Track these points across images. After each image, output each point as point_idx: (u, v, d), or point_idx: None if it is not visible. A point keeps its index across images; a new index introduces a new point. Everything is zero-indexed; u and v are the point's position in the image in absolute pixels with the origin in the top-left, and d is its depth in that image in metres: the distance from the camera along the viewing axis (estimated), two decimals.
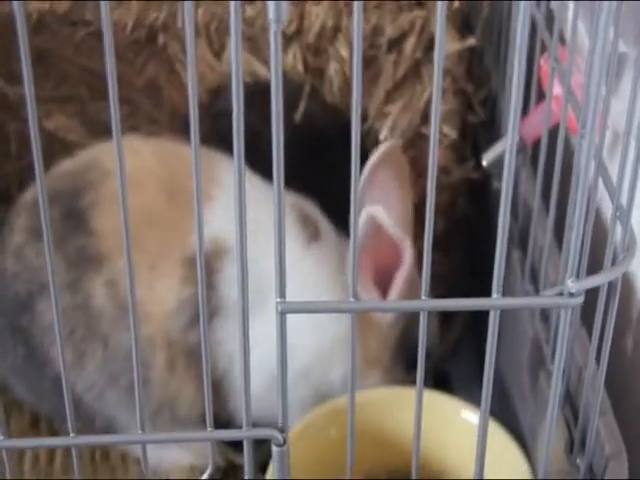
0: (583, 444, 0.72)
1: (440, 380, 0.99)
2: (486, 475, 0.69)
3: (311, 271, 0.91)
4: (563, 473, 0.73)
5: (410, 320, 0.95)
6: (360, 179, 0.96)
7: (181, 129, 1.02)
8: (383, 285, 0.91)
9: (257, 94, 1.00)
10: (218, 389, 0.89)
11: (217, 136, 1.02)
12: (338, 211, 0.97)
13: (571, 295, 0.59)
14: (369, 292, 0.90)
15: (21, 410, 0.99)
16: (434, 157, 0.58)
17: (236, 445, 0.94)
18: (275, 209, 0.55)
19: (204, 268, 0.56)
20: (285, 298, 0.57)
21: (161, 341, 0.89)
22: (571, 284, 0.59)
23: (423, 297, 0.58)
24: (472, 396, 0.90)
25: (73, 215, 0.89)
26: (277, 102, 0.52)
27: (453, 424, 0.87)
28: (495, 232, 1.01)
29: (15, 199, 0.97)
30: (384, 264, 0.90)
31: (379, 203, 0.91)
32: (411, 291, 0.92)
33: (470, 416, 0.88)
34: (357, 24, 0.49)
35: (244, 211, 0.55)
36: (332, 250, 0.93)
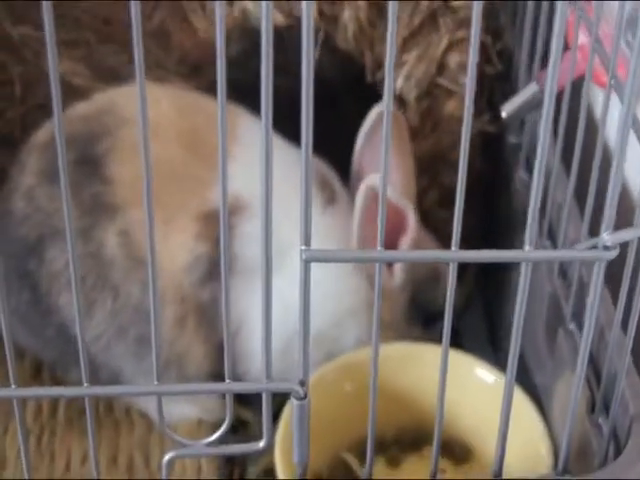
0: (605, 404, 0.71)
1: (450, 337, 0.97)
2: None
3: (326, 235, 0.89)
4: (584, 433, 0.72)
5: (419, 283, 0.94)
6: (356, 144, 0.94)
7: (189, 75, 1.00)
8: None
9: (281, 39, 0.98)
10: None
11: (226, 84, 0.99)
12: (347, 159, 0.95)
13: (606, 248, 0.58)
14: None
15: (22, 360, 0.97)
16: (468, 122, 0.55)
17: (243, 401, 0.92)
18: (303, 153, 0.53)
19: (221, 225, 0.54)
20: (310, 246, 0.55)
21: (172, 297, 0.87)
22: (607, 237, 0.57)
23: (453, 248, 0.56)
24: (481, 353, 0.89)
25: (88, 161, 0.87)
26: (308, 63, 0.50)
27: (467, 382, 0.85)
28: (511, 187, 0.99)
29: (18, 143, 0.94)
30: (388, 232, 0.88)
31: (377, 168, 0.90)
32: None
33: (484, 374, 0.86)
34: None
35: (270, 174, 0.53)
36: (347, 215, 0.91)
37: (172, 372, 0.89)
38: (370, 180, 0.86)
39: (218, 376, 0.85)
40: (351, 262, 0.84)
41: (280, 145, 0.90)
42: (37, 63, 1.00)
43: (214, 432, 0.92)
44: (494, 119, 1.00)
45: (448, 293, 0.58)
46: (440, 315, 0.92)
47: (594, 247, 0.59)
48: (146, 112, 0.51)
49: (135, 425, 0.93)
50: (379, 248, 0.56)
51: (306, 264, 0.55)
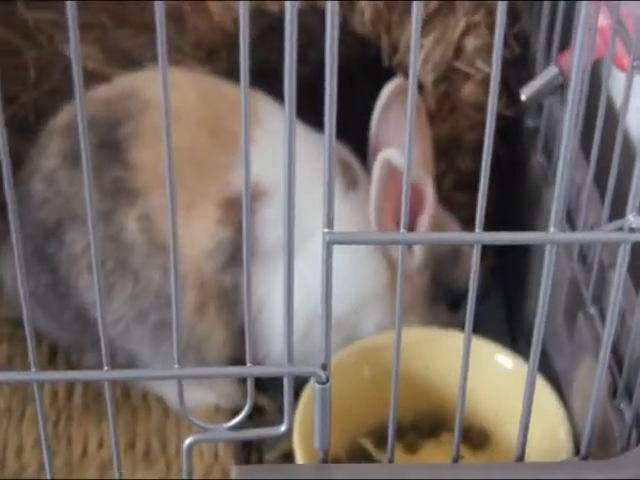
0: (628, 389, 0.71)
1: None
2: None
3: (348, 219, 0.88)
4: (605, 418, 0.71)
5: (439, 262, 0.93)
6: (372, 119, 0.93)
7: (205, 58, 0.99)
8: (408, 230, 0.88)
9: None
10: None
11: (237, 69, 0.99)
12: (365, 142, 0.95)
13: (631, 230, 0.57)
14: None
15: (40, 344, 0.96)
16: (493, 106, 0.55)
17: (260, 386, 0.92)
18: (326, 138, 0.53)
19: (242, 210, 0.54)
20: (332, 228, 0.55)
21: (193, 282, 0.87)
22: (633, 218, 0.57)
23: (477, 230, 0.56)
24: (497, 338, 0.88)
25: (110, 145, 0.86)
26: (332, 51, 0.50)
27: (486, 368, 0.85)
28: (527, 170, 0.99)
29: (32, 127, 0.94)
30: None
31: (393, 143, 0.89)
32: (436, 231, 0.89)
33: (504, 360, 0.86)
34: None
35: (293, 158, 0.52)
36: (368, 199, 0.90)
37: (191, 357, 0.89)
38: (386, 153, 0.85)
39: (237, 361, 0.84)
40: (373, 244, 0.83)
41: (299, 130, 0.89)
42: (51, 47, 0.99)
43: (230, 418, 0.91)
44: (511, 103, 0.99)
45: (472, 276, 0.57)
46: (465, 297, 0.91)
47: (619, 229, 0.58)
48: (168, 97, 0.50)
49: (152, 410, 0.93)
50: (402, 230, 0.55)
51: (328, 246, 0.55)
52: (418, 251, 0.91)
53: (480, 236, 0.56)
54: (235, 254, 0.86)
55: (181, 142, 0.84)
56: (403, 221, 0.55)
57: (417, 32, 0.52)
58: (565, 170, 0.55)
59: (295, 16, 0.49)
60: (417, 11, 0.51)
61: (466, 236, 0.58)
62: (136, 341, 0.88)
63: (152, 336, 0.87)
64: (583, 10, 0.52)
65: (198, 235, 0.86)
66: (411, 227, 0.89)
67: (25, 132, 0.95)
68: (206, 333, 0.89)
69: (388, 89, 0.92)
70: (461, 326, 0.88)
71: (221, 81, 0.92)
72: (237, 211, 0.85)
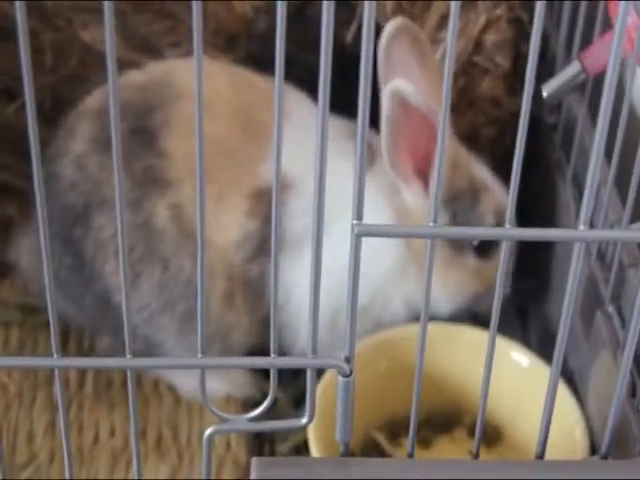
0: None
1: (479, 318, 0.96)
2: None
3: (369, 195, 0.87)
4: (624, 417, 0.71)
5: (457, 198, 0.89)
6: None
7: (224, 46, 0.99)
8: (425, 172, 0.86)
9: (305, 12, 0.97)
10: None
11: (255, 57, 0.98)
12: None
13: None
14: (409, 181, 0.86)
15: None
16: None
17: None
18: (359, 131, 0.52)
19: (269, 202, 0.53)
20: (362, 220, 0.54)
21: (221, 272, 0.87)
22: None
23: (507, 225, 0.55)
24: (508, 333, 0.88)
25: (142, 132, 0.86)
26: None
27: (502, 365, 0.84)
28: (544, 166, 0.98)
29: (48, 112, 0.93)
30: (422, 148, 0.85)
31: (402, 75, 0.84)
32: (455, 172, 0.87)
33: (519, 357, 0.86)
34: None
35: (325, 153, 0.52)
36: (386, 173, 0.88)
37: (216, 347, 0.89)
38: (395, 84, 0.80)
39: (259, 350, 0.84)
40: (402, 237, 0.82)
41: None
42: (69, 31, 0.99)
43: (241, 408, 0.91)
44: (531, 98, 0.99)
45: (499, 271, 0.57)
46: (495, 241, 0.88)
47: None
48: (202, 87, 0.50)
49: (163, 399, 0.93)
50: (430, 224, 0.55)
51: (357, 238, 0.54)
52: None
53: (509, 231, 0.55)
54: (262, 245, 0.86)
55: (213, 133, 0.83)
56: (432, 215, 0.54)
57: (454, 29, 0.52)
58: (597, 168, 0.55)
59: (332, 16, 0.48)
60: (455, 11, 0.51)
61: (497, 231, 0.58)
62: (161, 329, 0.88)
63: (179, 325, 0.87)
64: (621, 11, 0.51)
65: (227, 226, 0.86)
66: (426, 161, 0.86)
67: (41, 116, 0.95)
68: (233, 322, 0.89)
69: (387, 29, 0.87)
70: (491, 275, 0.85)
71: (250, 72, 0.92)
72: (265, 203, 0.85)
